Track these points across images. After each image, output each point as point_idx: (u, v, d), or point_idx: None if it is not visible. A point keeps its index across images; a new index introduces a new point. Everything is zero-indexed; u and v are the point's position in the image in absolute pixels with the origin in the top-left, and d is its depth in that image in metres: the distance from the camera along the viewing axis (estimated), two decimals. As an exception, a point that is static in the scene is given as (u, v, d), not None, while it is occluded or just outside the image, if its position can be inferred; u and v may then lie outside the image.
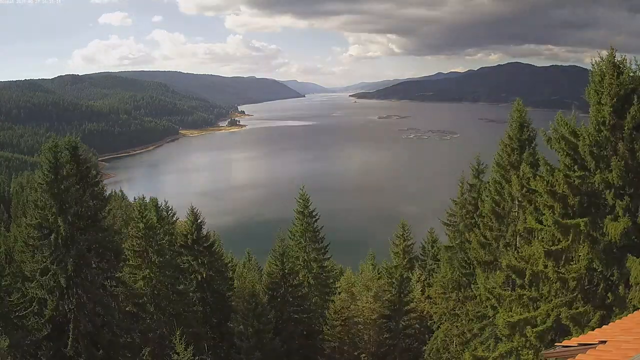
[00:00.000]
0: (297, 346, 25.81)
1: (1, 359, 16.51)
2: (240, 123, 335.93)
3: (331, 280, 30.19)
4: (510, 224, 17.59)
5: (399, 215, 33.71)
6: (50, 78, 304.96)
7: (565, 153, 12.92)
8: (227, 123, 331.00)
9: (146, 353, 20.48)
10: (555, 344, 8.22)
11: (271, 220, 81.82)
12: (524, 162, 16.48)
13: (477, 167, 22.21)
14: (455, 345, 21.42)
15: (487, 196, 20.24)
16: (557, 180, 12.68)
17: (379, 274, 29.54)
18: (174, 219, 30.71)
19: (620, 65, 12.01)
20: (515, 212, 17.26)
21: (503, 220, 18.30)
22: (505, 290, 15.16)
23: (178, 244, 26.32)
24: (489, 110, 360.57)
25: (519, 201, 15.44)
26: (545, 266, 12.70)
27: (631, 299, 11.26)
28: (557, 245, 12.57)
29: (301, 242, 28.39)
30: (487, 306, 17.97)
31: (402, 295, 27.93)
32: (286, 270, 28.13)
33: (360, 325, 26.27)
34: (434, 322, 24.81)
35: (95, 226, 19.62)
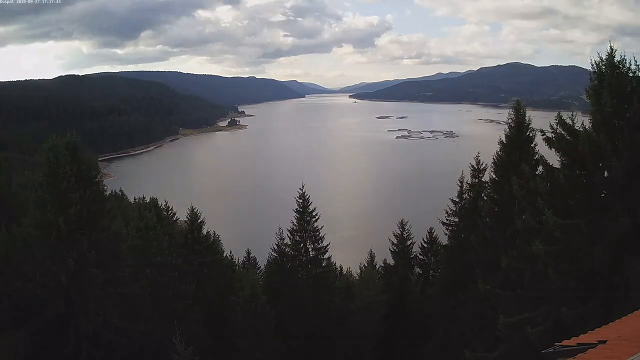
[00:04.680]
0: (297, 346, 25.82)
1: (1, 359, 16.50)
2: (240, 123, 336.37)
3: (331, 280, 30.17)
4: (510, 224, 17.58)
5: (399, 215, 33.62)
6: (50, 78, 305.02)
7: (564, 153, 12.93)
8: (227, 123, 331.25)
9: (146, 353, 20.47)
10: (555, 343, 8.22)
11: (271, 220, 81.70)
12: (523, 162, 16.48)
13: (476, 167, 22.19)
14: (455, 345, 21.41)
15: (486, 196, 20.25)
16: (556, 180, 12.68)
17: (378, 274, 29.54)
18: (174, 219, 30.71)
19: (620, 65, 12.03)
20: (515, 212, 17.24)
21: (503, 220, 18.29)
22: (505, 290, 15.15)
23: (178, 244, 26.31)
24: (489, 111, 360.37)
25: (518, 201, 15.41)
26: (545, 266, 12.69)
27: (631, 299, 11.26)
28: (557, 245, 12.57)
29: (301, 241, 28.36)
30: (487, 306, 18.00)
31: (401, 295, 27.95)
32: (286, 270, 28.17)
33: (360, 325, 26.26)
34: (434, 322, 24.80)
35: (95, 226, 19.63)
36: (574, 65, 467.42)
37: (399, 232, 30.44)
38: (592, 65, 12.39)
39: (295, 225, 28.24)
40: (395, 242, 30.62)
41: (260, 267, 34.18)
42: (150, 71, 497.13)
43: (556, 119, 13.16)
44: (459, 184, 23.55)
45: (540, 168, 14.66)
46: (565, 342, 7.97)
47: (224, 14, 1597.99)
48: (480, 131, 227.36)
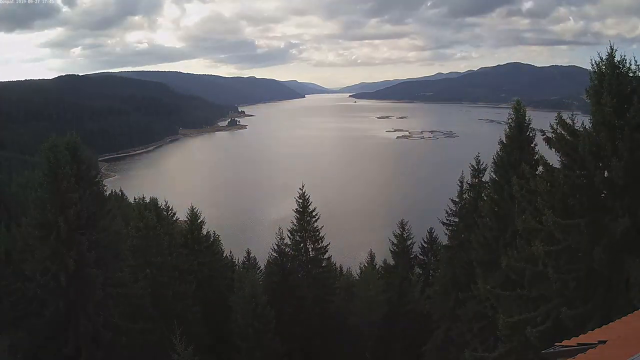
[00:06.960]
0: (297, 346, 25.83)
1: (1, 359, 16.50)
2: (240, 123, 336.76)
3: (331, 280, 30.19)
4: (510, 224, 17.57)
5: (399, 215, 33.64)
6: (50, 78, 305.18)
7: (564, 153, 12.92)
8: (227, 123, 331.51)
9: (146, 353, 20.47)
10: (555, 343, 8.22)
11: (271, 220, 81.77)
12: (523, 162, 16.47)
13: (476, 167, 22.19)
14: (455, 345, 21.40)
15: (486, 196, 20.23)
16: (556, 180, 12.67)
17: (378, 274, 29.55)
18: (174, 219, 30.71)
19: (620, 65, 12.02)
20: (515, 212, 17.23)
21: (503, 220, 18.28)
22: (505, 290, 15.13)
23: (178, 244, 26.33)
24: (489, 111, 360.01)
25: (518, 201, 15.40)
26: (545, 266, 12.68)
27: (631, 299, 11.26)
28: (557, 245, 12.56)
29: (301, 241, 28.38)
30: (487, 306, 17.99)
31: (401, 295, 27.96)
32: (286, 270, 28.19)
33: (359, 325, 26.26)
34: (434, 322, 24.80)
35: (95, 226, 19.63)
36: (574, 65, 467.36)
37: (399, 232, 30.46)
38: (592, 65, 12.38)
39: (295, 225, 28.27)
40: (395, 242, 30.64)
41: (260, 267, 34.18)
42: (150, 71, 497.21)
43: (556, 119, 13.14)
44: (459, 184, 23.55)
45: (540, 168, 14.64)
46: (565, 342, 7.97)
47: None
48: (480, 131, 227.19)
